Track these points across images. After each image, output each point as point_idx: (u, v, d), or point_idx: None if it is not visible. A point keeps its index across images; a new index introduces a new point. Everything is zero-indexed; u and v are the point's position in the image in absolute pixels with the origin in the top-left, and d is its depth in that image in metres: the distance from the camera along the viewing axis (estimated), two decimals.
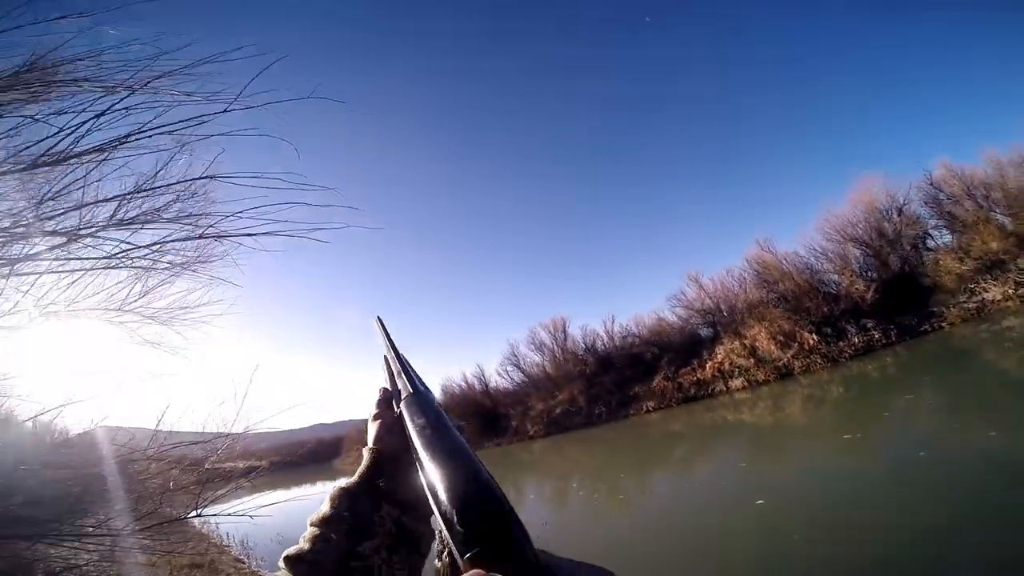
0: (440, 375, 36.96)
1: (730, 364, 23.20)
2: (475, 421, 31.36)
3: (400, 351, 0.75)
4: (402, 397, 0.64)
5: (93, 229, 3.75)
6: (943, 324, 19.16)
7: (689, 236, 53.83)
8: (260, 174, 3.70)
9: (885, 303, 21.27)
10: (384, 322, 0.81)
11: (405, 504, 0.59)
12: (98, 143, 3.31)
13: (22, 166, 3.13)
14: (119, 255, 3.94)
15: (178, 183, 3.81)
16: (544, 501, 13.98)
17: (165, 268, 4.59)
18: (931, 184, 23.09)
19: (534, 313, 59.92)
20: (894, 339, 19.96)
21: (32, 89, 3.22)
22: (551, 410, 28.32)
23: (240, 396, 4.27)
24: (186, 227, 4.10)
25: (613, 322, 30.22)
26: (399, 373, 0.70)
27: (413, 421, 0.58)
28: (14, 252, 3.64)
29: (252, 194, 3.76)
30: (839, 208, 24.46)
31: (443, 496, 0.46)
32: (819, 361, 20.77)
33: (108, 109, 3.21)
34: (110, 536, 3.40)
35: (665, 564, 6.41)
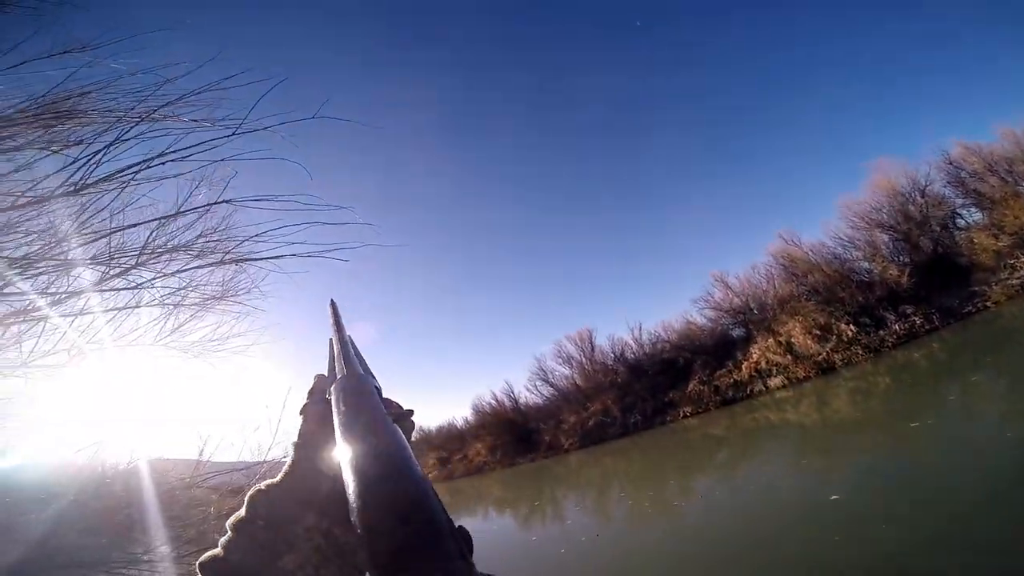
0: (470, 396, 36.88)
1: (767, 363, 22.55)
2: (507, 438, 31.16)
3: (346, 334, 0.64)
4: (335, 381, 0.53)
5: (122, 269, 3.75)
6: (987, 304, 18.32)
7: (702, 236, 52.85)
8: (274, 196, 3.70)
9: (923, 287, 20.52)
10: (336, 305, 0.72)
11: (333, 509, 0.46)
12: (109, 173, 3.30)
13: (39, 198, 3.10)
14: (147, 286, 3.96)
15: (195, 209, 3.83)
16: (589, 513, 13.57)
17: (194, 304, 4.65)
18: (950, 163, 22.48)
19: (557, 327, 59.58)
20: (937, 323, 19.15)
21: (43, 122, 3.22)
22: (584, 422, 27.83)
23: (275, 422, 4.28)
24: (210, 258, 4.13)
25: (640, 329, 29.79)
26: (338, 355, 0.59)
27: (337, 409, 0.47)
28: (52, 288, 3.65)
29: (270, 217, 3.79)
30: (858, 195, 23.93)
31: (352, 503, 0.34)
32: (860, 352, 20.04)
33: (118, 139, 3.20)
34: (160, 563, 3.30)
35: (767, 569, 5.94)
